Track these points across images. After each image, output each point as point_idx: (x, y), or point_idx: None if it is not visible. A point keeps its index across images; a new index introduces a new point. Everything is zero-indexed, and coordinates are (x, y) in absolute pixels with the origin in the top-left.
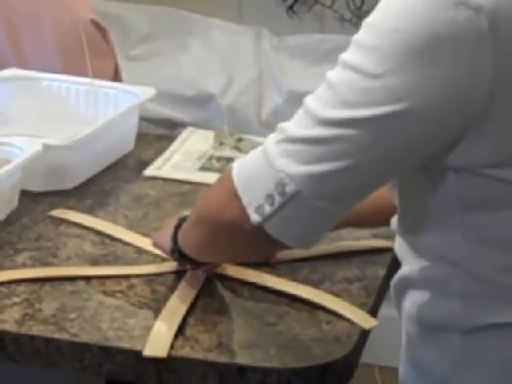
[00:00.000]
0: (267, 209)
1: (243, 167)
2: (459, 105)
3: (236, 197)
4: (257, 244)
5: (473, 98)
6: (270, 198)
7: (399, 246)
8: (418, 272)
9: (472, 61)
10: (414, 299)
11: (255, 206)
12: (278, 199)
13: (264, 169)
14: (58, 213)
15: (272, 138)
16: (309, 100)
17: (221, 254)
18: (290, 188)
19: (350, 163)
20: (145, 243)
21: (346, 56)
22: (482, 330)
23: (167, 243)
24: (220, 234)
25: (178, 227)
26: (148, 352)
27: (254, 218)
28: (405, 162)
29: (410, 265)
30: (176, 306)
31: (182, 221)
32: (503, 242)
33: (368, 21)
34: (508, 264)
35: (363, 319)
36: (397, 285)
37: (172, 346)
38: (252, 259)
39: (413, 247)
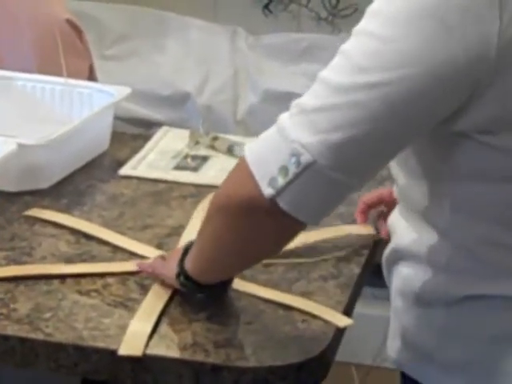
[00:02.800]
0: (280, 181)
1: (255, 145)
2: (469, 68)
3: (249, 176)
4: (273, 225)
5: (481, 61)
6: (283, 169)
7: (393, 218)
8: (406, 244)
9: (481, 24)
10: (400, 273)
11: (269, 179)
12: (292, 170)
13: (278, 143)
14: (34, 212)
15: (285, 114)
16: (324, 73)
17: (238, 246)
18: (304, 158)
19: (365, 130)
20: (120, 241)
21: (359, 26)
22: (465, 302)
23: (170, 269)
24: (238, 216)
25: (185, 251)
26: (123, 351)
27: (268, 191)
28: (417, 127)
29: (400, 237)
30: (151, 305)
31: (189, 245)
32: (489, 215)
33: None
34: (492, 237)
35: (338, 319)
36: (387, 259)
37: (147, 345)
38: (270, 248)
39: (404, 215)
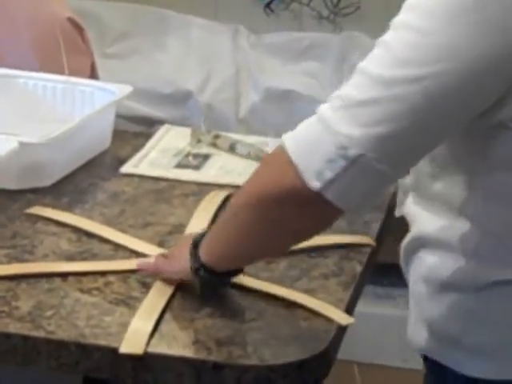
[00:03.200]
0: (328, 174)
1: (296, 138)
2: (509, 61)
3: (291, 166)
4: (314, 214)
5: None
6: (330, 163)
7: (410, 207)
8: (429, 232)
9: None
10: (425, 260)
11: (314, 172)
12: (339, 163)
13: (322, 136)
14: (36, 210)
15: (326, 107)
16: (363, 64)
17: (272, 234)
18: (352, 152)
19: (405, 124)
20: (122, 239)
21: (397, 19)
22: (494, 288)
23: (177, 265)
24: (274, 208)
25: (196, 245)
26: (124, 349)
27: (315, 184)
28: (457, 120)
29: (423, 225)
30: (153, 303)
31: (200, 237)
32: None
33: None
34: None
35: (340, 317)
36: (407, 247)
37: (148, 343)
38: (306, 235)
39: (423, 204)
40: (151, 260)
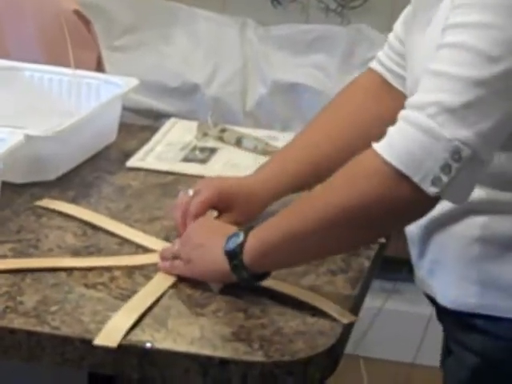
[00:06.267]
0: (444, 178)
1: (397, 150)
2: None
3: (401, 178)
4: (418, 215)
5: None
6: (445, 167)
7: None
8: (477, 197)
9: None
10: (474, 223)
11: (431, 180)
12: (454, 166)
13: (431, 144)
14: (45, 203)
15: (422, 115)
16: (440, 67)
17: (361, 242)
18: (466, 152)
19: (507, 113)
20: (131, 234)
21: (468, 18)
22: None
23: (209, 268)
24: (377, 219)
25: (242, 245)
26: (99, 341)
27: (432, 190)
28: None
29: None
30: (142, 298)
31: (240, 245)
32: None
33: None
34: None
35: (342, 314)
36: (450, 212)
37: (155, 339)
38: (392, 231)
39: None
40: (170, 264)
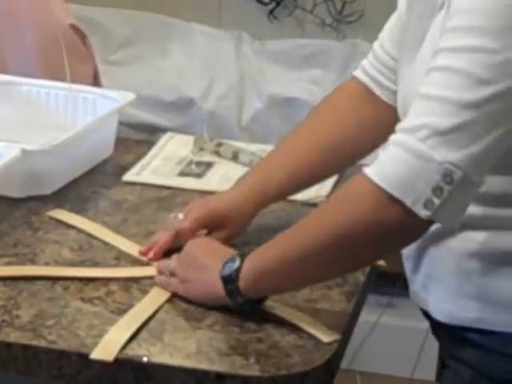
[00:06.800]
0: (436, 201)
1: (387, 174)
2: None
3: (392, 202)
4: (411, 237)
5: None
6: (437, 190)
7: None
8: (477, 214)
9: None
10: (469, 237)
11: (423, 203)
12: (446, 189)
13: (421, 167)
14: (55, 213)
15: (412, 139)
16: (430, 90)
17: (356, 266)
18: (457, 175)
19: (498, 135)
20: (134, 249)
21: (455, 42)
22: None
23: (206, 291)
24: (369, 243)
25: (238, 271)
26: (95, 355)
27: (424, 213)
28: None
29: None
30: (138, 313)
31: (236, 270)
32: None
33: (472, 5)
34: None
35: (323, 333)
36: (446, 227)
37: (151, 353)
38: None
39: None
40: (166, 279)
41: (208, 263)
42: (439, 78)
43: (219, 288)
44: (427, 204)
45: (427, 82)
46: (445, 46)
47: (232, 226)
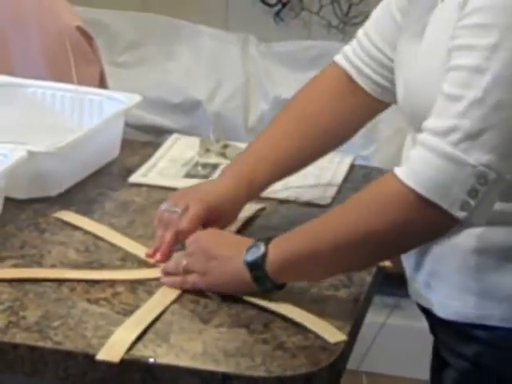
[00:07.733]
0: (472, 202)
1: (423, 178)
2: None
3: (427, 205)
4: (443, 235)
5: None
6: (472, 192)
7: None
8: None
9: None
10: (478, 232)
11: (459, 205)
12: (481, 190)
13: (456, 171)
14: (61, 215)
15: (443, 142)
16: (454, 91)
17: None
18: (491, 176)
19: None
20: (141, 250)
21: (477, 41)
22: None
23: (234, 276)
24: (401, 242)
25: (264, 256)
26: (101, 356)
27: (461, 214)
28: None
29: None
30: (144, 314)
31: (260, 258)
32: None
33: (480, 4)
34: None
35: (330, 333)
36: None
37: (157, 354)
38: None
39: None
40: (179, 279)
41: (225, 253)
42: (463, 78)
43: (244, 275)
44: (464, 206)
45: (450, 80)
46: (464, 44)
47: (225, 218)
